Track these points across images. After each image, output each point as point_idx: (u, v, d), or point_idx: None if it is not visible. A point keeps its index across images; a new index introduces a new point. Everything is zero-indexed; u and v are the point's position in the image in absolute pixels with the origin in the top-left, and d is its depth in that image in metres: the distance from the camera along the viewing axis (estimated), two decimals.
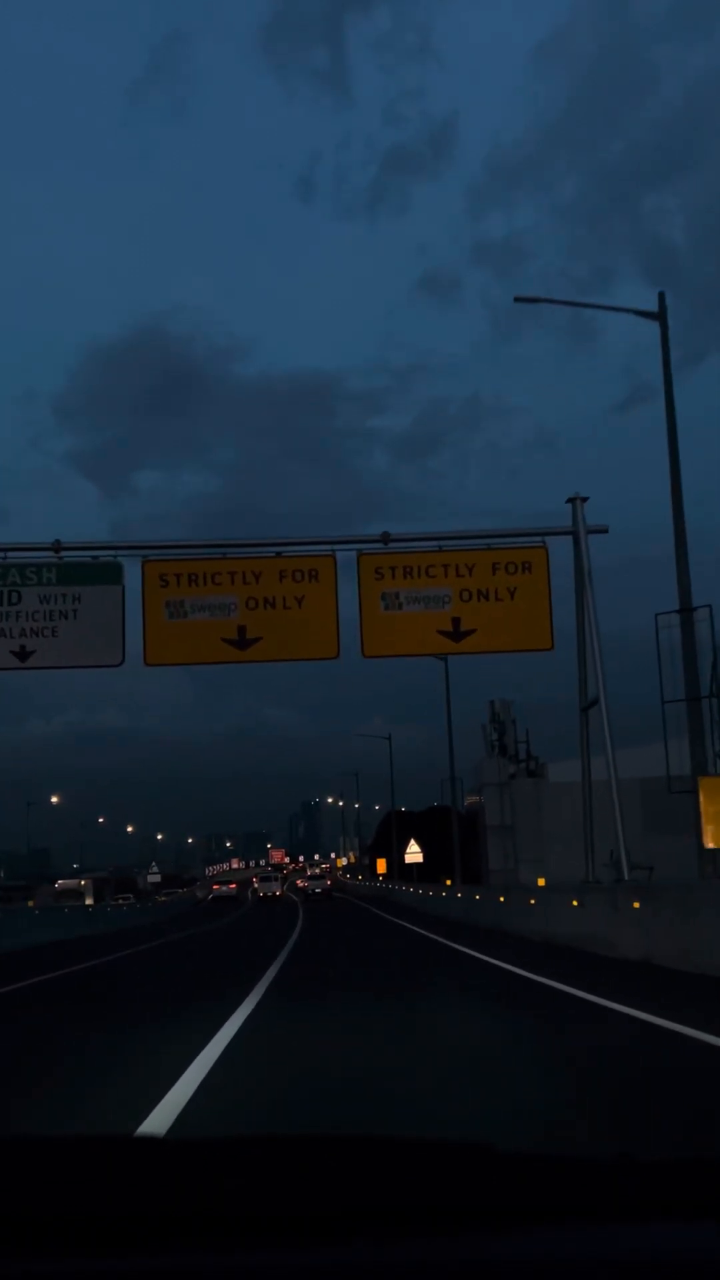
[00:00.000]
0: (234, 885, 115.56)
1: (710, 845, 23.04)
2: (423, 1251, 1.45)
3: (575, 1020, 11.03)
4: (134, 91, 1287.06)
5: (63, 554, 20.99)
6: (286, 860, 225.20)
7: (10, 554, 20.99)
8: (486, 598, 21.24)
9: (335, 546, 21.38)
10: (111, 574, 20.94)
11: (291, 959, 21.33)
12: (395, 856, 71.87)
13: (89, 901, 68.93)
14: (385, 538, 21.29)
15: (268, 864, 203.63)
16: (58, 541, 20.95)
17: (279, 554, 21.22)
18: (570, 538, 21.58)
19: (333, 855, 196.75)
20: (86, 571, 20.89)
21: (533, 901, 25.99)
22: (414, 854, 57.09)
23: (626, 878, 20.38)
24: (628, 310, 19.91)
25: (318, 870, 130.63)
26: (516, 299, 18.86)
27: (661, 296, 19.05)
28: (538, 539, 21.58)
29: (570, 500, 21.58)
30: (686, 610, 22.22)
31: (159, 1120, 6.70)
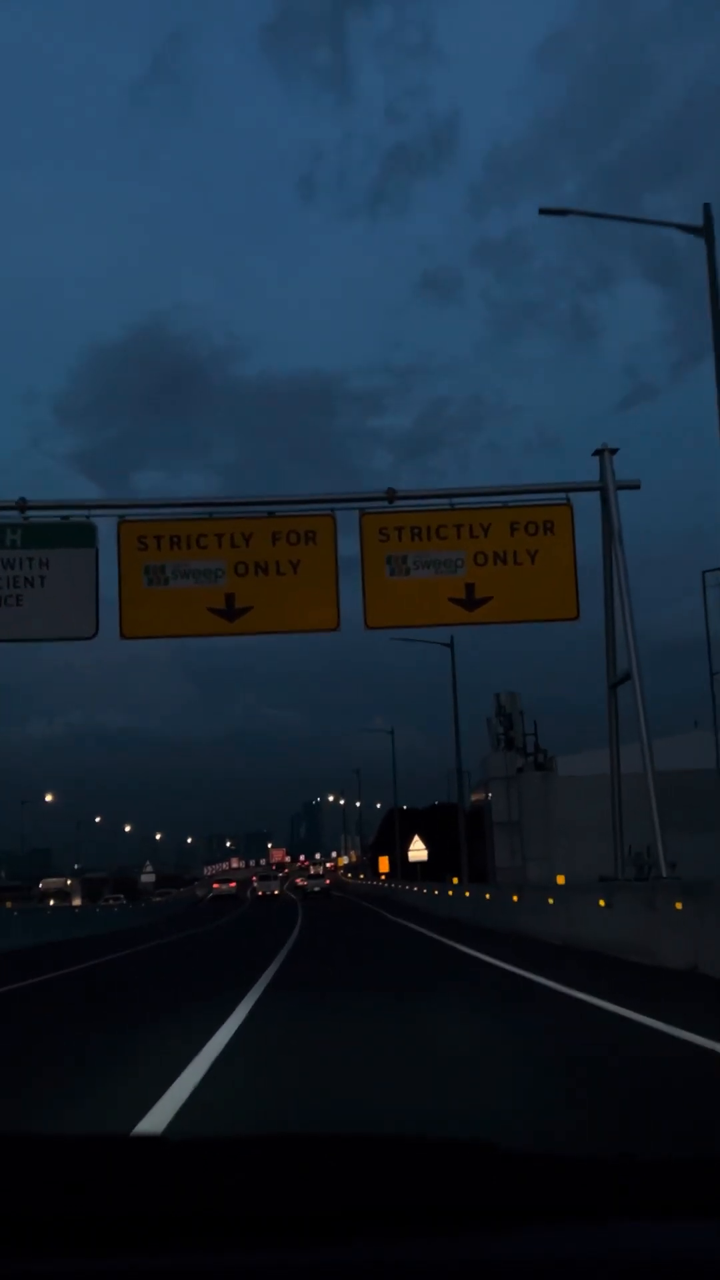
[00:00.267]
0: (233, 884, 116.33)
1: None
2: (423, 1251, 1.47)
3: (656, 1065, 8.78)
4: (135, 91, 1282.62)
5: (29, 514, 18.72)
6: (287, 859, 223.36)
7: None
8: (504, 561, 19.00)
9: (335, 505, 19.12)
10: (84, 536, 18.68)
11: (285, 969, 19.10)
12: (398, 855, 69.55)
13: (76, 902, 66.02)
14: (390, 495, 19.02)
15: (268, 863, 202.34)
16: (23, 500, 18.67)
17: (271, 514, 18.97)
18: (597, 495, 19.33)
19: (334, 854, 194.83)
20: (56, 533, 18.62)
21: (551, 901, 23.72)
22: (418, 851, 54.66)
23: (665, 875, 18.09)
24: (670, 225, 17.68)
25: (316, 870, 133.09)
26: (542, 211, 16.61)
27: (707, 209, 16.79)
28: (561, 496, 19.32)
29: (598, 452, 19.32)
30: None
31: None
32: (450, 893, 40.76)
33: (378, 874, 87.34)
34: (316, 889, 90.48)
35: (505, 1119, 6.43)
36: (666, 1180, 1.62)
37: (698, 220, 17.16)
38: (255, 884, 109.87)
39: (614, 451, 19.18)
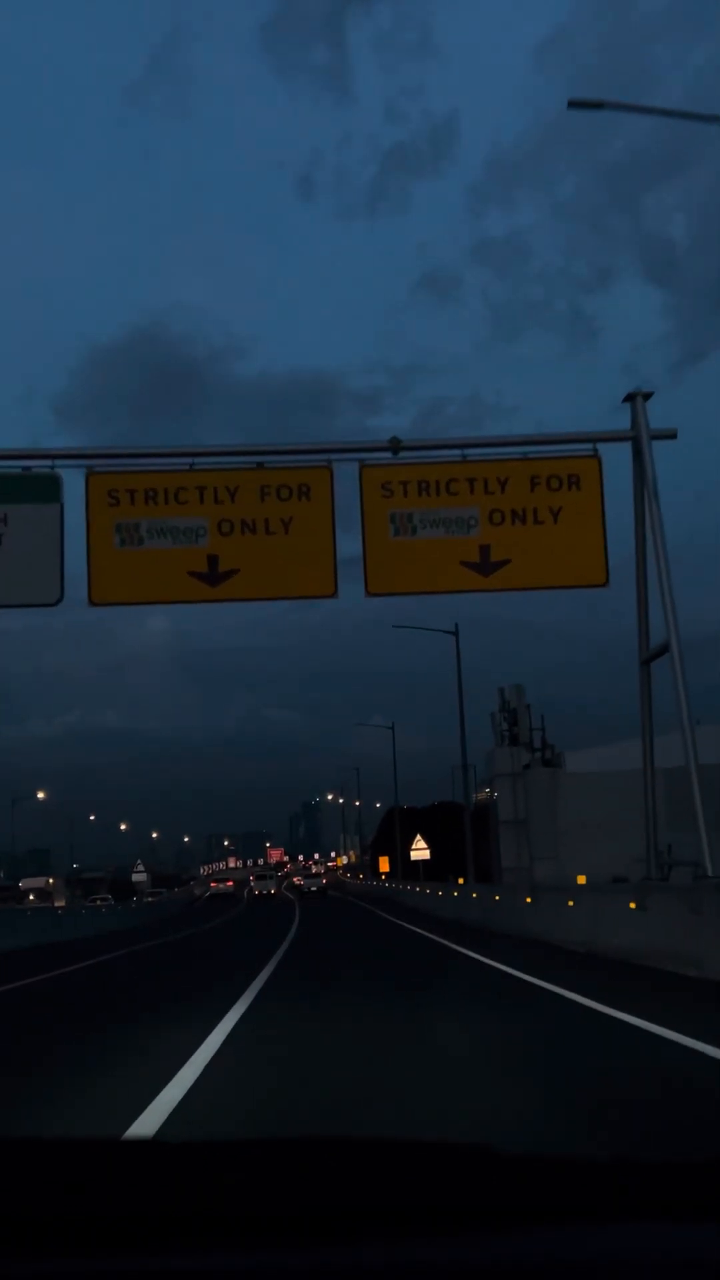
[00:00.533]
0: (230, 883, 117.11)
1: None
2: (424, 1252, 1.46)
3: None
4: (134, 90, 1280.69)
5: None
6: (285, 859, 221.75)
7: None
8: (523, 520, 16.79)
9: (332, 456, 16.90)
10: (47, 490, 16.45)
11: (273, 984, 16.90)
12: (399, 854, 67.26)
13: (60, 903, 63.17)
14: (395, 445, 16.80)
15: (266, 863, 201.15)
16: None
17: (260, 465, 16.75)
18: (628, 445, 17.12)
19: (333, 854, 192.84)
20: (15, 486, 16.39)
21: (571, 903, 21.51)
22: (420, 850, 52.29)
23: (711, 874, 15.86)
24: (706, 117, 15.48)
25: (318, 869, 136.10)
26: (571, 103, 14.38)
27: None
28: (588, 446, 17.09)
29: (629, 398, 17.10)
30: None
31: None
32: (456, 893, 38.53)
33: (378, 874, 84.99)
34: (313, 888, 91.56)
35: None
36: (666, 1181, 1.61)
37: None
38: (252, 883, 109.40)
39: (648, 396, 16.97)
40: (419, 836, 52.60)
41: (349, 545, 17.06)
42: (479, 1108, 6.86)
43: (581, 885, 23.95)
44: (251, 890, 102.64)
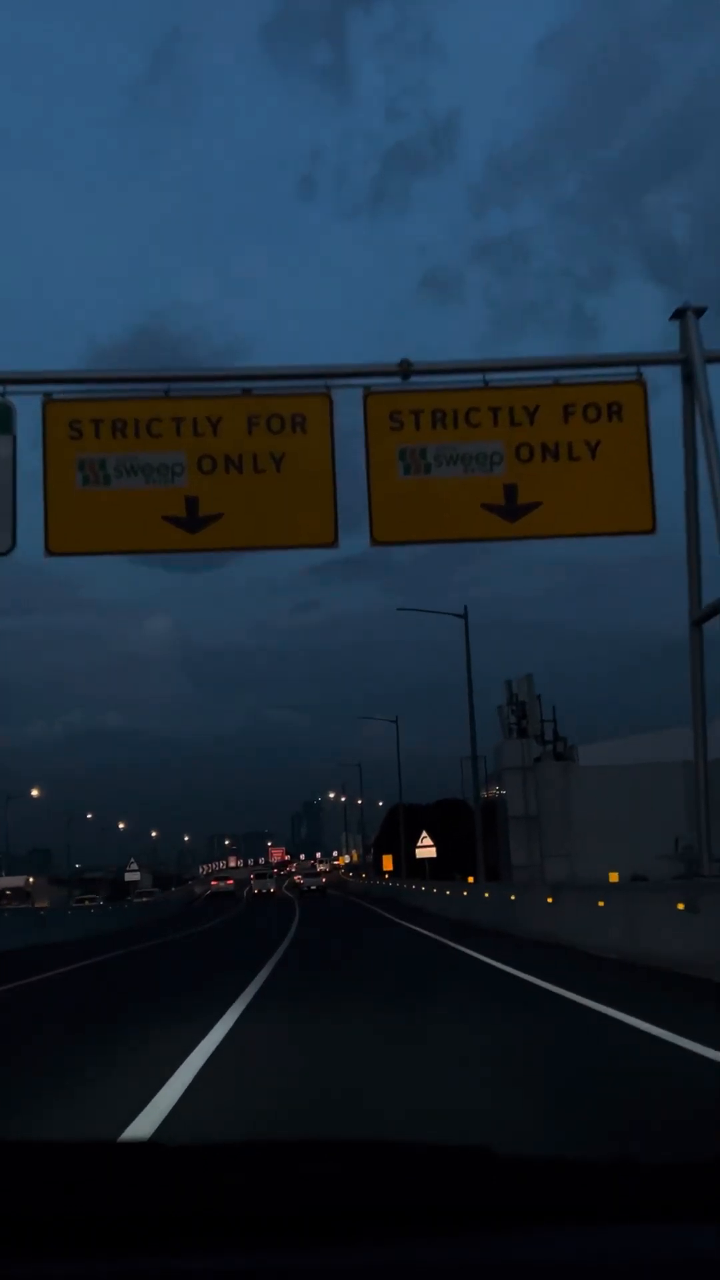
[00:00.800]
0: (231, 882, 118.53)
1: None
2: (423, 1253, 1.46)
3: None
4: (135, 90, 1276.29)
5: None
6: (287, 858, 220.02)
7: None
8: (556, 456, 14.37)
9: (332, 381, 14.47)
10: None
11: (263, 1000, 14.51)
12: (403, 852, 64.80)
13: (42, 904, 60.11)
14: (405, 368, 14.37)
15: (266, 862, 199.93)
16: None
17: (247, 392, 14.31)
18: (676, 370, 14.69)
19: (335, 854, 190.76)
20: None
21: (602, 904, 19.07)
22: (426, 848, 49.74)
23: None
24: None
25: (322, 867, 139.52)
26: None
27: None
28: (631, 370, 14.66)
29: (678, 314, 14.66)
30: None
31: None
32: (465, 893, 36.10)
33: (381, 873, 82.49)
34: (313, 887, 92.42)
35: None
36: (666, 1182, 1.61)
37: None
38: (252, 882, 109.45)
39: (700, 311, 14.54)
40: (425, 834, 50.04)
41: (352, 487, 14.71)
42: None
43: (614, 883, 21.51)
44: (251, 889, 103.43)
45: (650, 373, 14.75)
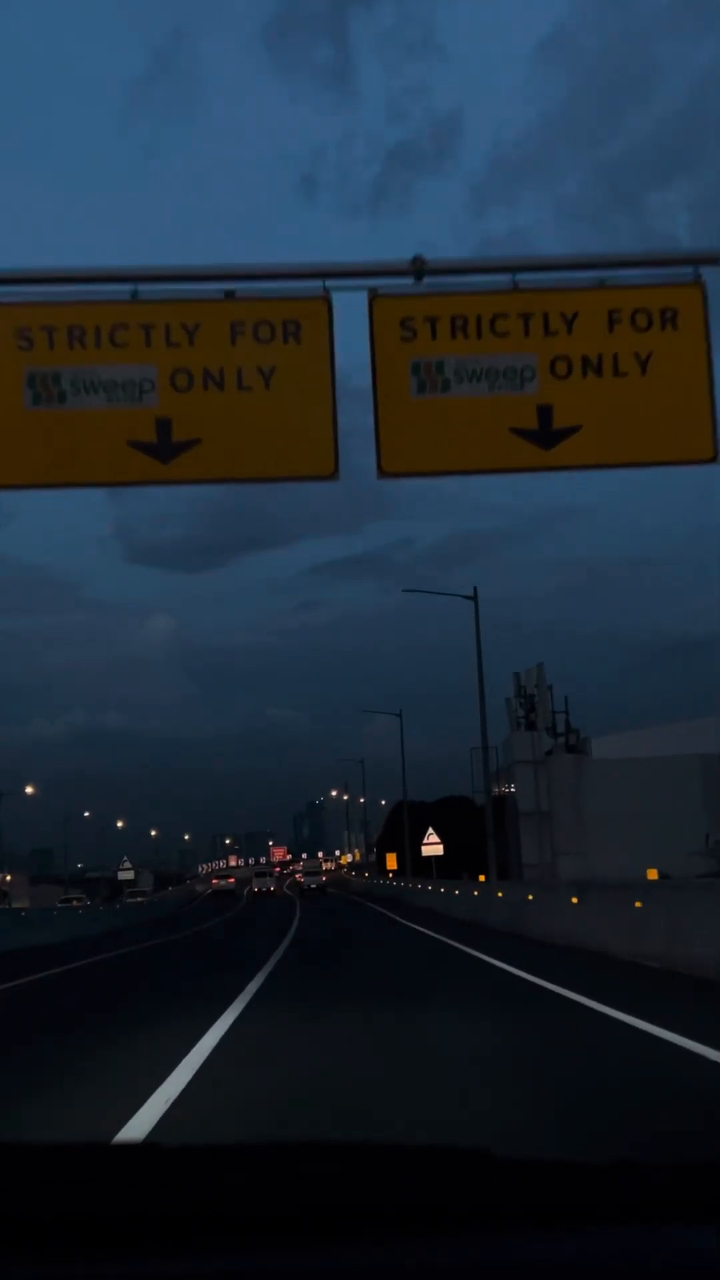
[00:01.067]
0: (232, 880, 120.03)
1: None
2: (423, 1254, 1.46)
3: None
4: (136, 89, 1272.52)
5: None
6: (289, 857, 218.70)
7: None
8: (599, 371, 12.07)
9: (332, 282, 12.12)
10: None
11: (250, 1018, 12.23)
12: (408, 850, 62.41)
13: (21, 904, 57.13)
14: (419, 266, 12.01)
15: (267, 861, 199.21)
16: None
17: (231, 295, 11.96)
18: None
19: (337, 853, 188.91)
20: None
21: (639, 905, 16.77)
22: (433, 845, 47.22)
23: None
24: None
25: (327, 865, 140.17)
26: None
27: None
28: (688, 270, 12.31)
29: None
30: None
31: None
32: (476, 892, 33.79)
33: (385, 871, 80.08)
34: (314, 885, 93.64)
35: None
36: (666, 1184, 1.61)
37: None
38: (253, 880, 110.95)
39: None
40: (431, 830, 47.58)
41: (354, 406, 12.47)
42: None
43: (654, 881, 19.19)
44: (251, 887, 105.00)
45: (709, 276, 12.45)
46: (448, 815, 71.63)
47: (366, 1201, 1.52)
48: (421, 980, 15.83)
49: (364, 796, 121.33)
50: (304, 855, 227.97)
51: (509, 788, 51.68)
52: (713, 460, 12.32)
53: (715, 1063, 7.98)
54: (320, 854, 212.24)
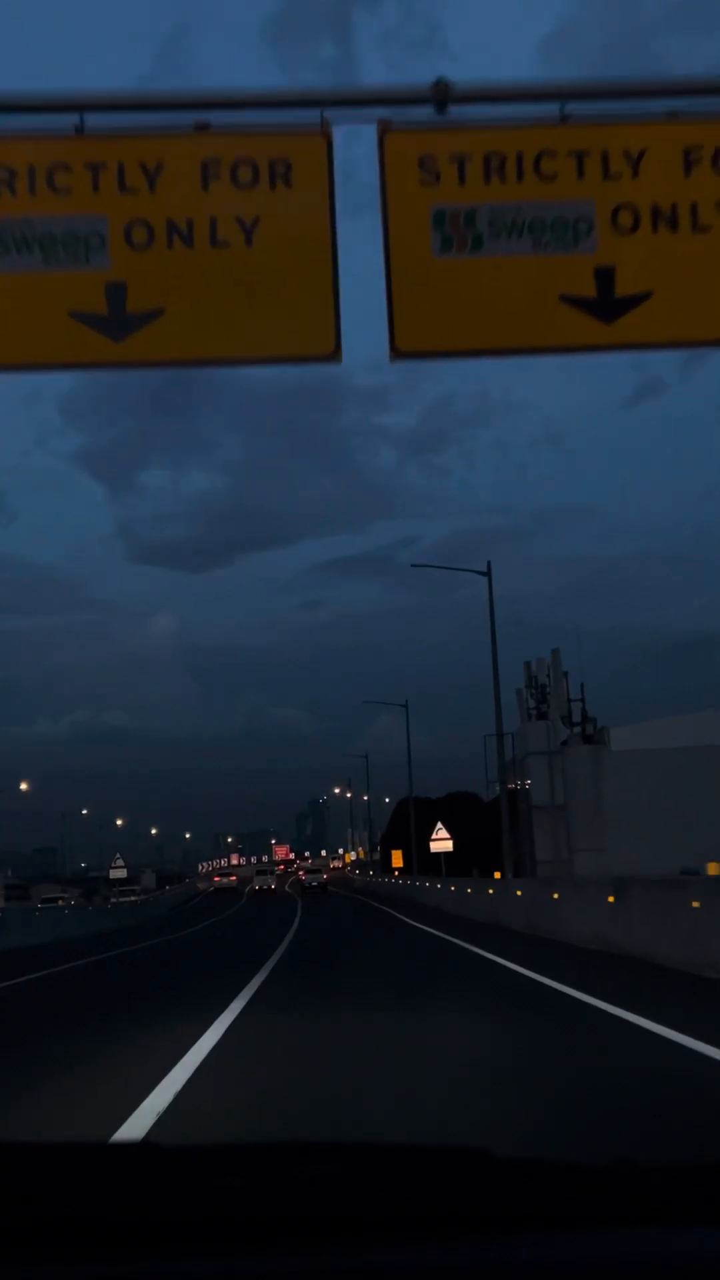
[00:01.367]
0: (234, 878, 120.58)
1: None
2: (422, 1255, 1.45)
3: None
4: (139, 87, 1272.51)
5: None
6: (291, 856, 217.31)
7: None
8: (673, 225, 9.50)
9: (332, 111, 9.50)
10: None
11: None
12: (415, 847, 59.84)
13: None
14: (441, 92, 9.37)
15: (269, 860, 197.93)
16: None
17: (204, 127, 9.35)
18: None
19: (340, 851, 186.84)
20: None
21: (696, 905, 14.19)
22: (442, 841, 44.62)
23: None
24: None
25: (334, 864, 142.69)
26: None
27: None
28: None
29: None
30: None
31: None
32: (491, 890, 31.17)
33: (390, 869, 77.50)
34: (315, 884, 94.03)
35: None
36: (666, 1185, 1.59)
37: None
38: (254, 879, 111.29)
39: None
40: (440, 825, 44.98)
41: (361, 268, 9.91)
42: None
43: (715, 877, 16.57)
44: (252, 885, 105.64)
45: None
46: (455, 811, 69.15)
47: (366, 1202, 1.52)
48: (464, 999, 13.27)
49: (368, 794, 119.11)
50: (306, 854, 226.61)
51: (522, 783, 49.16)
52: None
53: None
54: (323, 852, 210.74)
